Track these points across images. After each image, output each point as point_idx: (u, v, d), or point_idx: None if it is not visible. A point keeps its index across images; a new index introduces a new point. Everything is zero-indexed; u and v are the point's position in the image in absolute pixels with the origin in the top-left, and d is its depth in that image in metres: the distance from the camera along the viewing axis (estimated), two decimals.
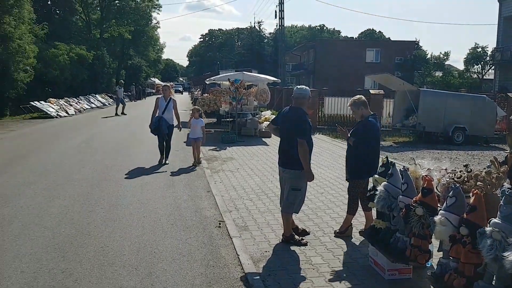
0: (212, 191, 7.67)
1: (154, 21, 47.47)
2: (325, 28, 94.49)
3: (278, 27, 35.69)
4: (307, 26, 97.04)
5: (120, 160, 10.56)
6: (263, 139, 14.59)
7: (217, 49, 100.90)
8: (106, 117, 23.36)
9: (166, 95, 10.10)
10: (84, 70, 34.20)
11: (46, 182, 8.00)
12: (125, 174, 8.89)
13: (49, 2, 35.70)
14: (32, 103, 23.61)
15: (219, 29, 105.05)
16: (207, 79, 17.25)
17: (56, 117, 23.27)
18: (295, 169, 5.14)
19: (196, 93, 45.97)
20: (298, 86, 5.41)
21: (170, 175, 8.96)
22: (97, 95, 35.87)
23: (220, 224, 5.95)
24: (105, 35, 41.37)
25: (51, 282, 4.09)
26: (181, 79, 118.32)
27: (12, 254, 4.69)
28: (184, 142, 9.89)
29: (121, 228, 5.66)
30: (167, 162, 10.06)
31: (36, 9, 27.95)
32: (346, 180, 5.67)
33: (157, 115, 9.95)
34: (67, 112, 25.02)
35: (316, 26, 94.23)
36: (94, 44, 38.24)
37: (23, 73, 23.87)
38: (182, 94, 63.06)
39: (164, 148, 10.14)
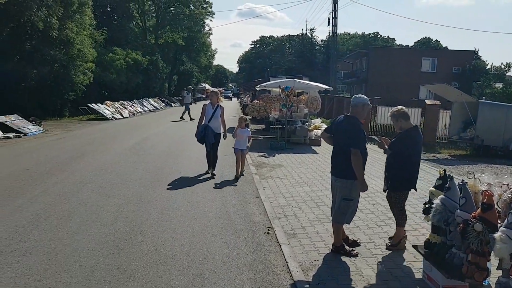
0: (260, 197, 7.67)
1: (206, 28, 48.55)
2: (379, 36, 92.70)
3: (330, 34, 35.38)
4: (360, 34, 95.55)
5: (171, 162, 10.81)
6: (313, 147, 14.46)
7: (267, 56, 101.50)
8: (175, 121, 23.80)
9: (213, 101, 9.34)
10: (139, 75, 35.48)
11: (102, 181, 8.31)
12: (176, 177, 9.08)
13: (108, 9, 37.28)
14: (89, 105, 24.69)
15: (270, 36, 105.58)
16: (258, 86, 17.32)
17: (112, 119, 24.22)
18: (347, 179, 5.05)
19: (246, 99, 46.52)
20: (357, 95, 5.32)
21: (219, 180, 9.05)
22: (150, 99, 37.04)
23: (268, 230, 5.94)
24: (160, 41, 42.74)
25: (107, 277, 4.23)
26: (230, 85, 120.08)
27: (71, 248, 4.89)
28: (233, 147, 9.53)
29: (173, 228, 5.77)
30: (214, 173, 9.40)
31: (96, 15, 29.30)
32: (384, 191, 5.57)
33: (203, 123, 9.32)
34: (121, 115, 25.99)
35: (370, 33, 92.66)
36: (149, 50, 39.61)
37: (82, 76, 25.07)
38: (231, 100, 63.11)
39: (211, 158, 9.54)
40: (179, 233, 5.63)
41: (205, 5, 46.55)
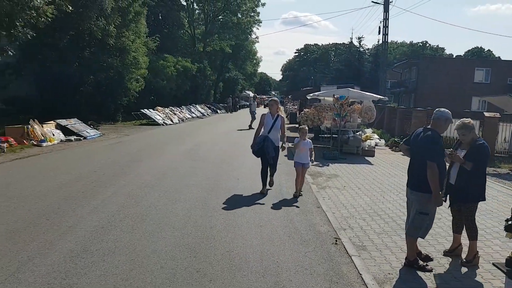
0: (322, 207, 7.65)
1: (253, 36, 49.08)
2: (427, 45, 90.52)
3: (380, 43, 34.91)
4: (408, 43, 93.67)
5: (227, 169, 10.96)
6: (366, 158, 14.26)
7: (311, 64, 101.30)
8: (241, 130, 24.05)
9: (273, 111, 8.58)
10: (187, 81, 36.31)
11: (166, 186, 8.55)
12: (235, 184, 9.20)
13: (160, 17, 38.43)
14: (142, 110, 25.47)
15: (315, 44, 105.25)
16: (310, 94, 17.31)
17: (163, 124, 24.89)
18: (423, 192, 4.97)
19: (291, 107, 46.50)
20: (440, 109, 5.28)
21: (279, 187, 9.10)
22: (197, 106, 37.76)
23: (336, 241, 5.92)
24: (208, 48, 43.59)
25: (189, 279, 4.36)
26: (273, 92, 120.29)
27: (150, 249, 5.07)
28: (294, 161, 8.61)
29: (241, 235, 5.86)
30: (271, 182, 8.77)
31: (148, 24, 30.31)
32: (450, 205, 5.58)
33: (261, 133, 8.53)
34: (171, 121, 26.65)
35: (418, 42, 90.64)
36: (197, 57, 40.52)
37: (135, 82, 25.95)
38: None
39: (268, 175, 8.68)
40: (249, 239, 5.70)
41: (252, 14, 47.13)
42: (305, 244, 5.73)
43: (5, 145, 12.38)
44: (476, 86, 40.85)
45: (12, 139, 13.17)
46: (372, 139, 16.57)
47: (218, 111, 43.13)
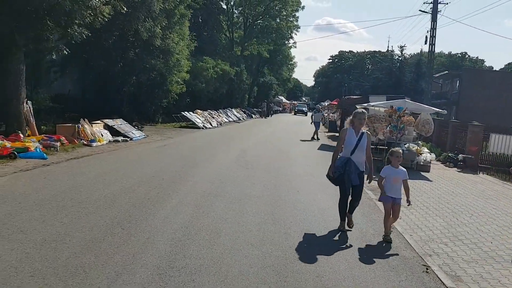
0: (396, 228, 7.16)
1: (291, 41, 48.73)
2: (467, 56, 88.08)
3: (422, 53, 33.91)
4: (446, 53, 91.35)
5: (283, 179, 10.59)
6: (422, 173, 13.65)
7: (345, 71, 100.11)
8: (304, 140, 23.54)
9: (357, 126, 6.64)
10: (224, 85, 36.25)
11: (228, 195, 8.22)
12: (296, 196, 8.82)
13: (200, 20, 38.57)
14: (183, 113, 25.45)
15: (350, 51, 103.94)
16: (364, 104, 16.77)
17: (202, 128, 24.78)
18: None
19: (326, 115, 45.81)
20: None
21: (359, 240, 8.58)
22: (233, 109, 37.64)
23: (427, 269, 5.45)
24: (245, 52, 43.49)
25: None
26: (304, 98, 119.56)
27: (236, 270, 4.72)
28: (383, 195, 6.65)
29: (327, 258, 5.43)
30: (351, 222, 6.78)
31: (189, 27, 30.38)
32: None
33: (341, 154, 6.76)
34: (210, 124, 26.53)
35: (457, 53, 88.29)
36: (234, 61, 40.45)
37: (177, 84, 25.97)
38: (306, 115, 60.61)
39: (348, 208, 6.80)
40: (335, 264, 5.29)
41: (291, 19, 46.81)
42: (395, 271, 5.29)
43: (58, 144, 12.36)
44: None
45: (63, 138, 13.15)
46: (422, 153, 15.86)
47: (253, 116, 42.93)
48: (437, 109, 14.63)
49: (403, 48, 46.20)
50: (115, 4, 13.91)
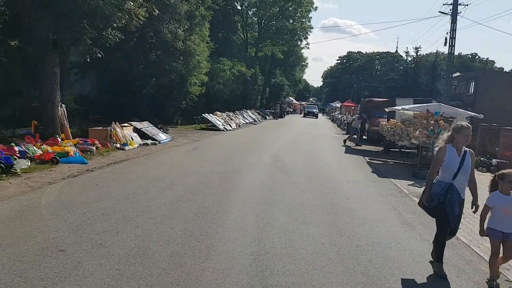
0: (460, 239, 6.92)
1: (304, 42, 48.49)
2: (477, 57, 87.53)
3: (442, 54, 33.57)
4: (456, 54, 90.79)
5: (327, 185, 10.39)
6: None
7: (354, 72, 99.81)
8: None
9: (460, 143, 5.36)
10: (239, 86, 36.08)
11: (283, 204, 8.01)
12: (346, 204, 8.62)
13: (215, 21, 38.39)
14: (204, 115, 25.31)
15: (358, 52, 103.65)
16: (398, 108, 16.53)
17: (223, 130, 24.61)
18: None
19: (340, 116, 45.54)
20: None
21: (409, 213, 8.42)
22: (248, 111, 37.46)
23: None
24: (259, 53, 43.32)
25: None
26: (311, 99, 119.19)
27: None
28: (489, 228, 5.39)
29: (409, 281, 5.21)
30: (442, 270, 5.30)
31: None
32: None
33: (438, 178, 5.45)
34: (230, 126, 26.37)
35: (467, 54, 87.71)
36: (248, 62, 40.27)
37: (196, 86, 25.84)
38: (316, 117, 56.97)
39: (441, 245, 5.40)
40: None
41: (304, 19, 46.61)
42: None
43: (94, 148, 12.23)
44: None
45: (97, 141, 13.02)
46: None
47: (267, 117, 42.74)
48: (473, 113, 14.38)
49: (418, 49, 45.94)
50: (148, 6, 13.77)
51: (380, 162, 16.28)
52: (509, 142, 15.73)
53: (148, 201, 7.31)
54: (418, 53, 44.75)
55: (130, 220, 6.12)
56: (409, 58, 47.04)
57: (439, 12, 29.86)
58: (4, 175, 8.33)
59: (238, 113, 33.48)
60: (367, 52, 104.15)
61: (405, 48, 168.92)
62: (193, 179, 9.59)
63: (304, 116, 57.86)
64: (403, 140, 14.76)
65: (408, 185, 11.77)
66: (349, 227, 6.95)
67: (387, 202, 9.27)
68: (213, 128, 24.82)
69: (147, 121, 18.43)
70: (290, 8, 42.56)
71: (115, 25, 12.00)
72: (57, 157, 10.27)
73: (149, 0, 13.55)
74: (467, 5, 30.36)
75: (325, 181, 11.04)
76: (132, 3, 12.28)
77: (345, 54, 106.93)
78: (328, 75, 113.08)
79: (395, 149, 20.04)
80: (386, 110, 18.55)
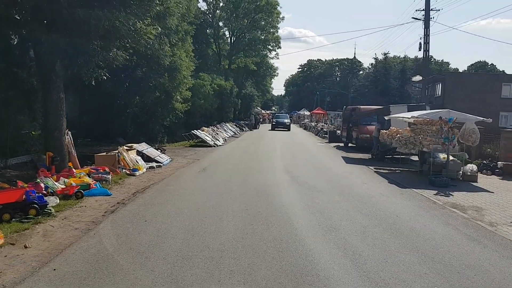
0: None
1: (274, 53, 48.60)
2: (432, 59, 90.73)
3: (411, 59, 34.44)
4: (412, 58, 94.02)
5: (360, 201, 10.16)
6: (474, 184, 13.58)
7: (315, 80, 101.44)
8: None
9: None
10: (217, 100, 35.60)
11: (342, 229, 7.69)
12: (403, 223, 8.41)
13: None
14: (193, 131, 24.67)
15: (318, 60, 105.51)
16: (404, 115, 16.54)
17: (214, 146, 24.03)
18: None
19: (314, 124, 45.73)
20: None
21: (465, 227, 8.28)
22: (227, 124, 36.97)
23: None
24: (233, 65, 43.02)
25: None
26: (274, 108, 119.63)
27: None
28: None
29: None
30: None
31: None
32: None
33: None
34: (218, 141, 25.82)
35: (421, 57, 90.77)
36: (222, 75, 39.90)
37: (180, 103, 25.20)
38: (289, 130, 43.88)
39: None
40: None
41: (272, 30, 46.77)
42: None
43: (109, 176, 11.44)
44: (504, 101, 40.67)
45: (107, 168, 12.22)
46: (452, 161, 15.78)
47: (244, 129, 42.37)
48: (482, 118, 14.61)
49: (387, 55, 47.15)
50: (153, 23, 13.15)
51: (387, 171, 16.25)
52: (511, 144, 16.12)
53: (213, 238, 6.74)
54: (387, 59, 45.95)
55: (219, 265, 5.56)
56: (379, 64, 48.22)
57: (412, 18, 30.69)
58: (40, 216, 7.54)
59: (219, 126, 32.94)
60: (327, 59, 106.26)
61: (364, 54, 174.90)
62: (235, 206, 9.08)
63: (272, 129, 44.69)
64: (415, 148, 14.76)
65: (434, 194, 11.67)
66: (426, 248, 6.67)
67: (434, 217, 9.08)
68: (203, 144, 24.19)
69: (144, 142, 17.63)
70: (260, 20, 42.54)
71: (128, 45, 11.32)
72: (81, 191, 9.49)
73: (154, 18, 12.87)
74: (439, 10, 31.46)
75: (358, 197, 10.82)
76: (141, 22, 11.64)
77: (306, 62, 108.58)
78: (290, 83, 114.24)
79: (388, 156, 20.20)
80: (386, 118, 18.60)
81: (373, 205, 9.95)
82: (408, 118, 16.02)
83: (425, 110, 19.19)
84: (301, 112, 73.96)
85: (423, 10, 30.71)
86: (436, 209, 9.88)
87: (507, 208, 10.12)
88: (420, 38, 30.70)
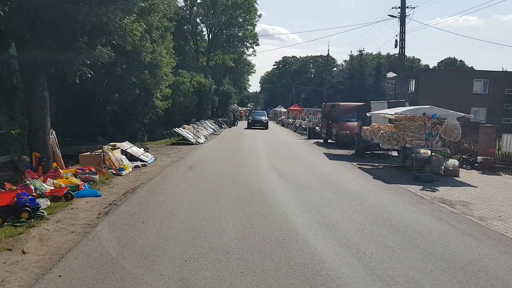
0: None
1: (251, 50, 48.50)
2: (404, 56, 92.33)
3: (385, 56, 34.99)
4: (384, 55, 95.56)
5: (358, 198, 10.28)
6: (455, 179, 13.93)
7: (290, 76, 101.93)
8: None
9: None
10: (196, 97, 35.28)
11: (346, 226, 7.77)
12: (399, 220, 8.53)
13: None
14: (174, 129, 24.39)
15: (293, 56, 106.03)
16: (384, 112, 16.77)
17: (196, 143, 23.84)
18: None
19: (292, 121, 45.92)
20: None
21: (457, 222, 8.47)
22: (206, 121, 36.73)
23: None
24: (211, 62, 42.71)
25: None
26: (249, 105, 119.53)
27: None
28: None
29: None
30: None
31: None
32: None
33: None
34: (200, 138, 25.63)
35: (395, 54, 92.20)
36: (201, 72, 39.55)
37: (160, 100, 24.87)
38: (267, 128, 41.43)
39: None
40: None
41: (250, 27, 46.65)
42: None
43: (97, 177, 11.19)
44: (475, 97, 41.84)
45: (93, 168, 11.94)
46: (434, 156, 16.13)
47: (222, 126, 42.19)
48: (463, 114, 14.96)
49: (362, 52, 47.73)
50: (138, 20, 12.91)
51: (370, 167, 16.46)
52: (489, 139, 16.58)
53: (216, 234, 6.71)
54: (362, 56, 46.53)
55: (227, 270, 5.49)
56: (355, 61, 48.80)
57: (388, 15, 31.15)
58: (33, 219, 7.30)
59: (199, 124, 32.70)
60: (301, 56, 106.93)
61: (339, 52, 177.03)
62: (232, 204, 9.04)
63: (248, 127, 42.04)
64: (399, 144, 15.03)
65: (421, 190, 11.88)
66: (426, 246, 6.77)
67: (426, 212, 9.22)
68: (185, 142, 23.94)
69: (127, 141, 17.30)
70: (238, 17, 42.36)
71: (114, 43, 11.07)
72: (71, 192, 9.24)
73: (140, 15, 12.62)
74: (414, 7, 32.03)
75: (348, 193, 10.94)
76: (127, 18, 11.40)
77: (281, 59, 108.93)
78: (266, 80, 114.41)
79: (368, 152, 20.49)
80: (368, 114, 18.83)
81: (364, 201, 10.05)
82: (390, 114, 16.27)
83: (405, 106, 19.63)
84: (278, 109, 74.18)
85: (399, 7, 31.15)
86: (426, 205, 10.06)
87: (493, 203, 10.40)
88: (396, 36, 31.21)
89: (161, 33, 23.10)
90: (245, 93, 76.33)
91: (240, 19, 43.11)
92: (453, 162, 14.92)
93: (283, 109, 71.24)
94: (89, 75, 12.26)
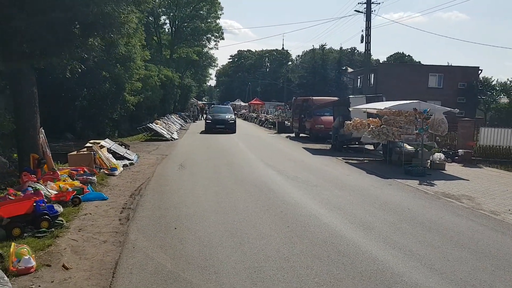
0: None
1: (212, 43, 47.74)
2: (356, 51, 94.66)
3: (345, 50, 35.57)
4: (337, 49, 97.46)
5: (364, 194, 10.29)
6: (443, 172, 14.35)
7: (246, 70, 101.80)
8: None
9: None
10: (161, 91, 34.27)
11: (345, 218, 7.71)
12: (420, 217, 8.59)
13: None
14: (148, 125, 23.56)
15: (248, 50, 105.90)
16: (365, 106, 16.91)
17: (171, 139, 23.15)
18: None
19: (256, 115, 45.87)
20: None
21: (474, 217, 8.62)
22: (172, 116, 35.81)
23: None
24: (175, 55, 41.63)
25: None
26: (204, 98, 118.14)
27: None
28: None
29: None
30: None
31: None
32: None
33: None
34: (173, 134, 24.95)
35: (348, 49, 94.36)
36: (164, 65, 38.44)
37: (132, 96, 23.97)
38: (235, 133, 31.39)
39: None
40: None
41: (212, 20, 45.90)
42: None
43: (95, 178, 10.49)
44: (430, 91, 43.59)
45: (86, 169, 11.20)
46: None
47: (187, 120, 41.36)
48: (450, 109, 15.39)
49: (324, 46, 48.33)
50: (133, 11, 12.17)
51: (356, 162, 16.61)
52: (468, 133, 17.22)
53: (259, 239, 6.41)
54: (324, 50, 47.16)
55: (298, 271, 5.25)
56: (317, 56, 49.37)
57: (355, 11, 31.65)
58: (53, 229, 6.67)
59: (167, 118, 31.81)
60: (257, 50, 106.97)
61: (297, 47, 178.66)
62: (252, 204, 8.74)
63: (207, 131, 29.83)
64: (388, 139, 15.26)
65: (418, 184, 12.08)
66: (467, 244, 6.82)
67: (441, 208, 9.33)
68: (158, 138, 23.16)
69: (107, 139, 16.45)
70: (203, 9, 41.47)
71: (112, 35, 10.36)
72: (79, 196, 8.58)
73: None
74: (380, 3, 32.77)
75: (355, 189, 10.94)
76: (128, 9, 10.73)
77: (236, 52, 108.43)
78: (222, 74, 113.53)
79: (344, 146, 20.72)
80: (350, 109, 18.98)
81: (375, 198, 10.05)
82: (379, 109, 16.45)
83: (383, 101, 20.00)
84: (236, 103, 73.81)
85: (365, 3, 31.72)
86: (434, 199, 10.22)
87: (495, 196, 10.75)
88: (362, 31, 31.76)
89: (134, 26, 22.10)
90: (205, 86, 75.11)
91: (203, 12, 42.26)
92: (439, 155, 15.35)
93: (243, 103, 70.98)
94: (79, 69, 11.44)
